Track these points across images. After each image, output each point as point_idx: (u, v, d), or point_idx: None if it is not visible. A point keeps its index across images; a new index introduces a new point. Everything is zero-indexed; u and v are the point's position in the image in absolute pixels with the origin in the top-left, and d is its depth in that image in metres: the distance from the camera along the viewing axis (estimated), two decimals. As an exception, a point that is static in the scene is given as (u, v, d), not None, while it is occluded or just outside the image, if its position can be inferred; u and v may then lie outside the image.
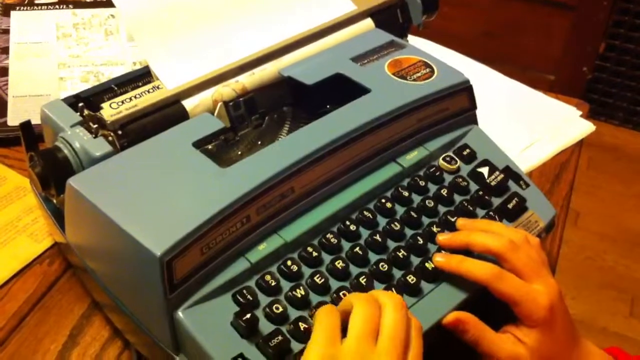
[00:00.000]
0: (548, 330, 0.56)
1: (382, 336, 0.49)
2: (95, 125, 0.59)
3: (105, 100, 0.61)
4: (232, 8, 0.69)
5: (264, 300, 0.53)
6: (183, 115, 0.62)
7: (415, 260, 0.58)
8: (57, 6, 0.97)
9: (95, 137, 0.58)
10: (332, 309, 0.51)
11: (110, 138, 0.59)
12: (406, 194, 0.62)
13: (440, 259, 0.58)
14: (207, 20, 0.68)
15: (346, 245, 0.58)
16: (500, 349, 0.56)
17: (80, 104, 0.61)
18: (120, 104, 0.60)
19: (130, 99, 0.61)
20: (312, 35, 0.70)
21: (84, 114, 0.60)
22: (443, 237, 0.60)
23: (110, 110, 0.59)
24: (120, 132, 0.59)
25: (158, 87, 0.63)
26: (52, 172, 0.57)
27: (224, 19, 0.68)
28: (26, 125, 0.59)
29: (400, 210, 0.61)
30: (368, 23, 0.74)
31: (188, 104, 0.63)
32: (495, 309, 0.56)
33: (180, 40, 0.66)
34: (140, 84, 0.65)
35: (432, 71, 0.68)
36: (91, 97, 0.63)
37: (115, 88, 0.64)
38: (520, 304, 0.56)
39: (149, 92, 0.62)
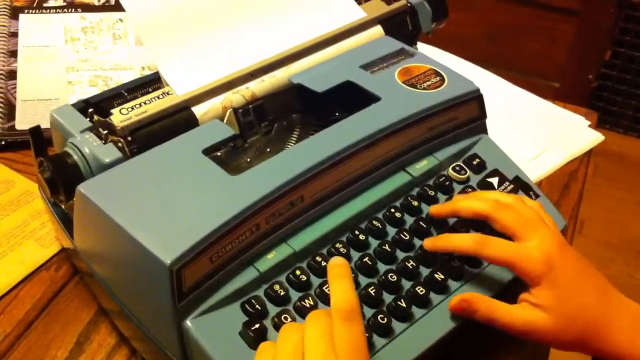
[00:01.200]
0: (555, 283, 0.53)
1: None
2: (105, 131, 0.59)
3: (115, 105, 0.61)
4: (242, 15, 0.69)
5: (272, 310, 0.53)
6: (193, 122, 0.62)
7: (425, 271, 0.58)
8: (65, 10, 0.97)
9: (105, 143, 0.58)
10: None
11: (119, 144, 0.58)
12: (415, 203, 0.62)
13: (427, 242, 0.58)
14: (217, 26, 0.67)
15: (355, 255, 0.58)
16: (516, 318, 0.54)
17: (90, 110, 0.61)
18: (130, 109, 0.60)
19: (140, 104, 0.61)
20: (322, 42, 0.70)
21: (94, 120, 0.60)
22: (434, 207, 0.60)
23: (120, 116, 0.59)
24: (130, 138, 0.59)
25: (168, 93, 0.62)
26: (62, 178, 0.57)
27: (234, 26, 0.68)
28: (36, 131, 0.59)
29: (409, 220, 0.61)
30: (377, 30, 0.74)
31: (198, 110, 0.62)
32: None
33: (190, 46, 0.66)
34: (150, 89, 0.65)
35: (442, 80, 0.67)
36: (101, 102, 0.63)
37: (125, 94, 0.64)
38: (514, 264, 0.54)
39: (158, 98, 0.62)
